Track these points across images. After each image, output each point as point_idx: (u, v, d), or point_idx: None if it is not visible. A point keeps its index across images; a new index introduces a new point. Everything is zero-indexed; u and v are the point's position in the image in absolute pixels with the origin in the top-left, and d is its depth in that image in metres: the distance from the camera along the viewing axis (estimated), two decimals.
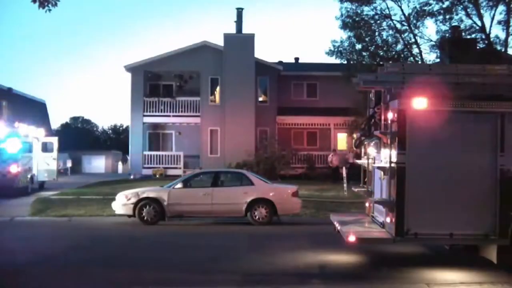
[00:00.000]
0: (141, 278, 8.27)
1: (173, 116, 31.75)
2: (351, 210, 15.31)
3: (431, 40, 28.13)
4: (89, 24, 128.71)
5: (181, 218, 14.50)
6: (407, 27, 27.90)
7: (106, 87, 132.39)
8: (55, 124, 71.75)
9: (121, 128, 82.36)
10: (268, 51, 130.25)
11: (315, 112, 31.43)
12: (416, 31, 27.84)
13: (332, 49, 28.68)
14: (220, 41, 31.16)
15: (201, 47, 31.85)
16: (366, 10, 28.19)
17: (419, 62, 26.26)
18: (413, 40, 28.09)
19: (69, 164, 46.20)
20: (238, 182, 15.03)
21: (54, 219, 15.41)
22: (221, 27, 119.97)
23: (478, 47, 24.08)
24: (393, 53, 27.96)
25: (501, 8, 25.94)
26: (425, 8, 27.23)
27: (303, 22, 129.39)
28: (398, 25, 28.25)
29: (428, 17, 27.54)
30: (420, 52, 27.84)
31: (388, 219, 8.56)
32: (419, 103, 8.20)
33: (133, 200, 14.16)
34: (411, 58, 27.64)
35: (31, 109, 35.47)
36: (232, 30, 31.95)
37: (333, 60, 29.35)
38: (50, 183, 25.04)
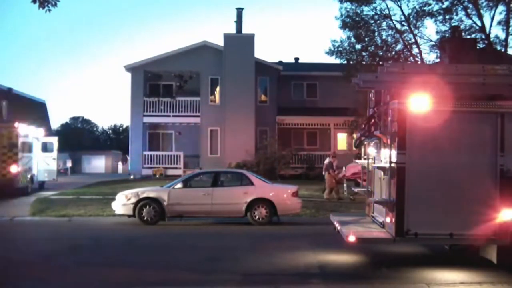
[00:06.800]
0: (141, 278, 8.27)
1: (173, 116, 31.76)
2: (351, 210, 15.31)
3: (431, 40, 28.09)
4: (89, 24, 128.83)
5: (181, 218, 14.50)
6: (407, 27, 27.85)
7: (106, 87, 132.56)
8: (55, 124, 71.85)
9: (121, 128, 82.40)
10: (268, 51, 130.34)
11: (315, 112, 31.45)
12: (416, 31, 27.77)
13: (332, 49, 28.62)
14: (220, 41, 31.26)
15: (201, 47, 31.87)
16: (366, 10, 28.14)
17: (419, 62, 26.23)
18: (413, 40, 28.06)
19: (69, 164, 46.26)
20: (238, 182, 15.03)
21: (54, 219, 15.41)
22: (221, 27, 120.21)
23: (478, 47, 24.05)
24: (393, 53, 27.91)
25: (501, 8, 25.93)
26: (425, 8, 27.16)
27: (303, 22, 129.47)
28: (398, 25, 28.21)
29: (428, 17, 27.47)
30: (420, 52, 27.79)
31: (388, 219, 8.56)
32: (419, 103, 8.20)
33: (133, 200, 14.16)
34: (411, 58, 27.60)
35: (31, 109, 35.45)
36: (232, 30, 32.02)
37: (333, 60, 29.32)
38: (50, 183, 25.05)
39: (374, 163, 10.01)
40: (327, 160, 20.69)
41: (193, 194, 14.56)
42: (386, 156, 8.61)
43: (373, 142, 9.86)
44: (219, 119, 30.61)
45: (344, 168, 20.76)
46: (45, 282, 8.15)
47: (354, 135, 20.99)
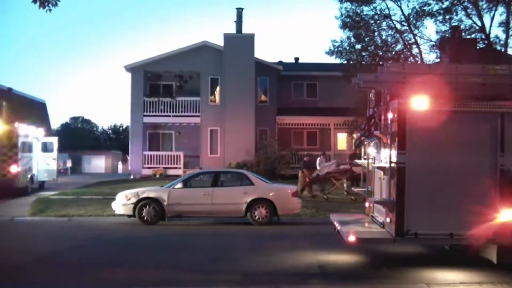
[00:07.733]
0: (141, 278, 8.27)
1: (173, 116, 31.76)
2: (351, 210, 15.31)
3: (431, 40, 28.10)
4: (89, 24, 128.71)
5: (181, 218, 14.51)
6: (407, 27, 27.86)
7: (106, 87, 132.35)
8: (55, 124, 71.87)
9: (121, 128, 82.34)
10: (268, 51, 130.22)
11: (315, 112, 31.45)
12: (416, 31, 27.79)
13: (332, 49, 28.62)
14: (220, 41, 31.25)
15: (201, 47, 31.87)
16: (366, 10, 28.14)
17: (419, 62, 26.22)
18: (413, 40, 28.06)
19: (69, 164, 46.20)
20: (238, 182, 15.03)
21: (54, 219, 15.42)
22: (221, 27, 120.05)
23: (478, 47, 24.04)
24: (393, 53, 27.92)
25: (501, 9, 25.94)
26: (425, 8, 27.18)
27: (303, 22, 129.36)
28: (398, 25, 28.23)
29: (428, 17, 27.49)
30: (420, 52, 27.80)
31: (388, 219, 8.56)
32: (419, 103, 8.21)
33: (133, 200, 14.17)
34: (411, 58, 27.60)
35: (31, 109, 35.44)
36: (232, 30, 32.01)
37: (333, 60, 29.35)
38: (50, 183, 25.05)
39: (374, 163, 10.01)
40: (318, 159, 20.99)
41: (193, 194, 14.56)
42: (386, 156, 8.62)
43: (373, 142, 9.87)
44: (219, 119, 30.61)
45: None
46: (45, 282, 8.15)
47: (354, 135, 20.99)
